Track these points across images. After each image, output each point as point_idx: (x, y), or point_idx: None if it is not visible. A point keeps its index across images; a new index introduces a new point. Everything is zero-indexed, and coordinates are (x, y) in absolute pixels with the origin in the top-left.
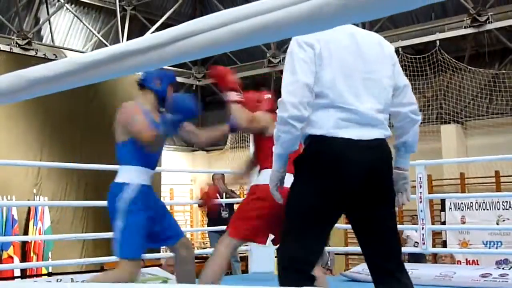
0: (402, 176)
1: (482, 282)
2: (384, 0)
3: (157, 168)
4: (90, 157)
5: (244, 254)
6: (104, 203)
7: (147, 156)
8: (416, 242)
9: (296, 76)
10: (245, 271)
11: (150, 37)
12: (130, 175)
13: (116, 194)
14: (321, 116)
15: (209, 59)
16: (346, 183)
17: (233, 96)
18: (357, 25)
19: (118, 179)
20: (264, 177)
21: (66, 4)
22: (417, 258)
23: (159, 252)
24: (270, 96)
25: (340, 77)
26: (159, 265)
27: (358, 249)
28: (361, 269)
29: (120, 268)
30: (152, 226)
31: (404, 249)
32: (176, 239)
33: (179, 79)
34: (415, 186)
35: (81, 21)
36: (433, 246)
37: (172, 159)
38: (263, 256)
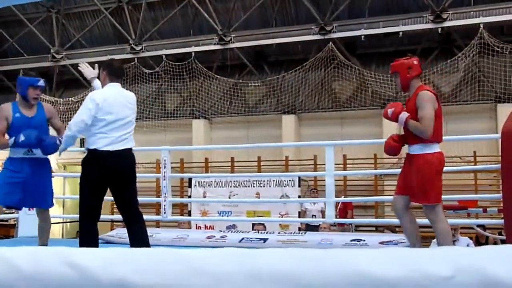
0: None
1: (207, 242)
2: None
3: None
4: None
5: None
6: None
7: None
8: (314, 215)
9: (81, 116)
10: (8, 236)
11: None
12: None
13: None
14: (101, 139)
15: None
16: (103, 171)
17: (404, 117)
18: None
19: None
20: (431, 148)
21: None
22: (314, 227)
23: None
24: (416, 60)
25: (110, 121)
26: None
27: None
28: (115, 233)
29: None
30: None
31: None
32: None
33: None
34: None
35: None
36: (181, 214)
37: None
38: (30, 222)
